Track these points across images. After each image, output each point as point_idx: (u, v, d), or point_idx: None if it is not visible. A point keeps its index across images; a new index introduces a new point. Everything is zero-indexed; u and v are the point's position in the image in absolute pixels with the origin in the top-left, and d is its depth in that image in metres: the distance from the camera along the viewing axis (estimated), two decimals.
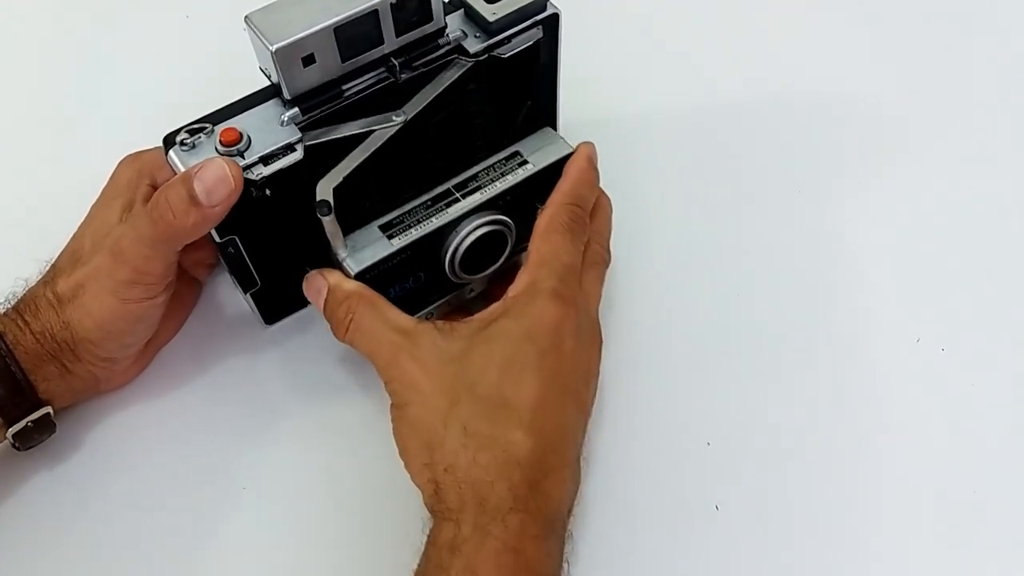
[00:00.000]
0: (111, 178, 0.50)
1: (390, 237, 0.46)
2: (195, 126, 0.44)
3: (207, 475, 0.50)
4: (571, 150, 0.49)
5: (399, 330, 0.44)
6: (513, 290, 0.46)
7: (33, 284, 0.48)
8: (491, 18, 0.47)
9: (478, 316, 0.45)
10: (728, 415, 0.51)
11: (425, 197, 0.47)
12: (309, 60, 0.44)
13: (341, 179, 0.44)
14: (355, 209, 0.47)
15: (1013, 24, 0.68)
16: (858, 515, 0.47)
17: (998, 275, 0.56)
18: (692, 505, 0.48)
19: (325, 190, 0.44)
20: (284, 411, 0.52)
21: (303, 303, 0.54)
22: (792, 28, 0.69)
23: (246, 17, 0.43)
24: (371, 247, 0.45)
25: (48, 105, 0.67)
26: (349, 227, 0.46)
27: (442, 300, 0.50)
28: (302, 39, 0.43)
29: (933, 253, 0.57)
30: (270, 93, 0.45)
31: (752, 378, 0.52)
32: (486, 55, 0.48)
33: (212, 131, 0.44)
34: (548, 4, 0.49)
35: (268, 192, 0.44)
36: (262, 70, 0.45)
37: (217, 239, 0.46)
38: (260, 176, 0.44)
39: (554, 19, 0.50)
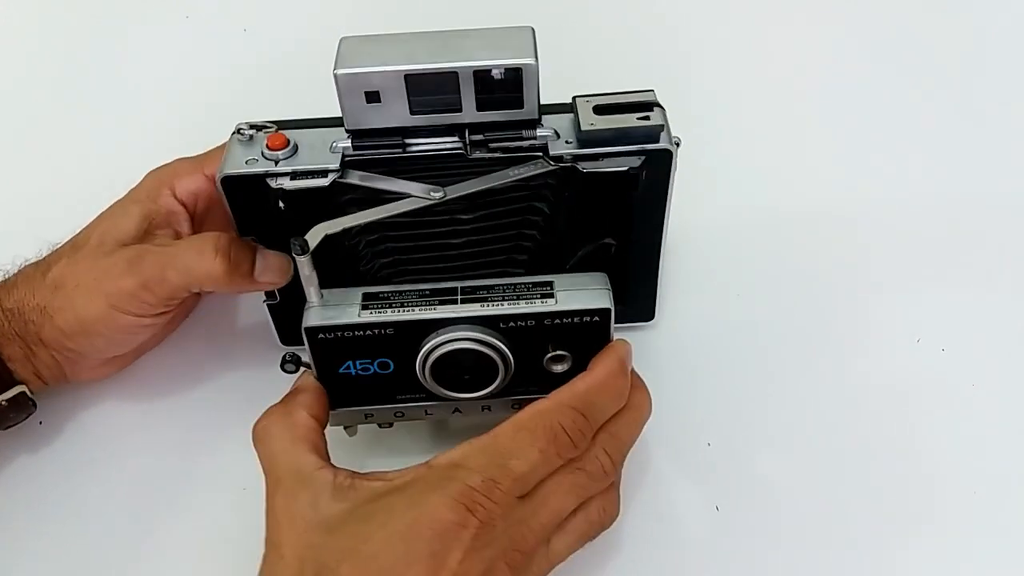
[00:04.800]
0: (136, 185, 0.50)
1: (364, 308, 0.41)
2: (261, 123, 0.45)
3: (207, 474, 0.49)
4: (607, 306, 0.40)
5: (293, 468, 0.39)
6: (439, 457, 0.38)
7: (27, 264, 0.48)
8: (585, 126, 0.43)
9: (389, 475, 0.38)
10: (728, 415, 0.50)
11: (427, 287, 0.41)
12: (374, 98, 0.42)
13: (339, 229, 0.41)
14: (357, 268, 0.44)
15: None
16: (858, 515, 0.47)
17: (998, 275, 0.56)
18: (692, 505, 0.47)
19: (316, 234, 0.40)
20: None
21: None
22: None
23: (342, 39, 0.43)
24: (339, 308, 0.40)
25: (43, 104, 0.69)
26: (342, 282, 0.42)
27: (422, 404, 0.43)
28: (367, 74, 0.41)
29: (933, 253, 0.57)
30: None
31: (752, 378, 0.52)
32: (570, 163, 0.43)
33: (272, 132, 0.44)
34: (662, 136, 0.43)
35: (282, 205, 0.43)
36: None
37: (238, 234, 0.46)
38: (279, 187, 0.43)
39: (665, 156, 0.43)
